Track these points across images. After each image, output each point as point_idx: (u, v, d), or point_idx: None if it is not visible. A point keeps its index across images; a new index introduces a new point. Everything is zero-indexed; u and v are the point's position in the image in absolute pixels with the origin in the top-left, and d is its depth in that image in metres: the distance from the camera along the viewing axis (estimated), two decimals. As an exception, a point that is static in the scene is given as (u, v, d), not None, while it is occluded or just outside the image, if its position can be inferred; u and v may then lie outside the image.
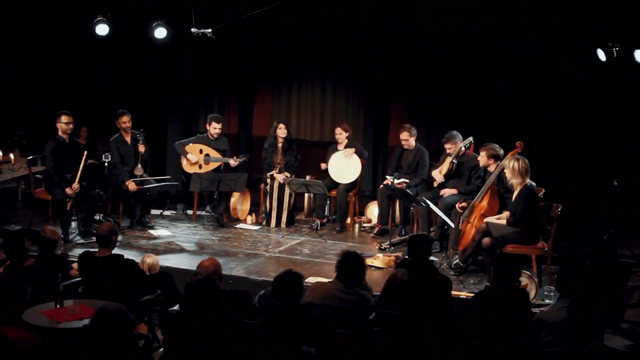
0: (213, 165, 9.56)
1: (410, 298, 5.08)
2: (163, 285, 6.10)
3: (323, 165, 9.61)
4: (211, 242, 8.77)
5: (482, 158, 7.90)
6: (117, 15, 10.27)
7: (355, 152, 9.44)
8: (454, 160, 8.51)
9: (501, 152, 7.85)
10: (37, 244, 6.54)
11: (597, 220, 9.15)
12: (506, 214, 7.40)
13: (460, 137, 8.52)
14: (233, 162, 9.53)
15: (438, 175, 8.70)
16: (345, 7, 11.08)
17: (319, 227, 9.36)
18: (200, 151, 9.59)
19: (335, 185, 9.55)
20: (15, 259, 6.04)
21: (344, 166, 9.45)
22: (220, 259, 6.21)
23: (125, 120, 9.16)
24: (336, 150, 9.57)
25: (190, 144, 9.64)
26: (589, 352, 4.86)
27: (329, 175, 9.62)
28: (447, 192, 8.47)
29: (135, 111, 9.35)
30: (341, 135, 9.50)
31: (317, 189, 9.21)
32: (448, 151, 8.60)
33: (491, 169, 7.82)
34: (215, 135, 9.62)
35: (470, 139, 8.52)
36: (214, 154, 9.58)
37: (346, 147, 9.49)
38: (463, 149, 8.53)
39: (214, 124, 9.60)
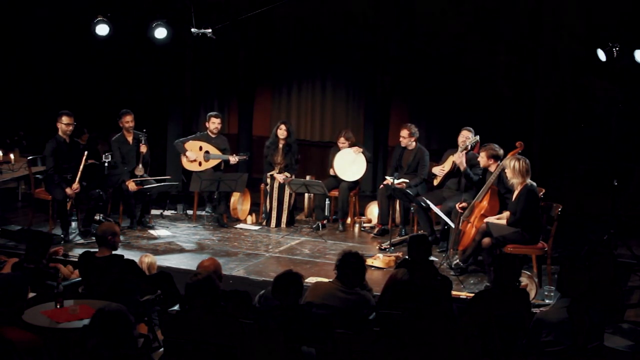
0: (213, 163, 9.56)
1: (410, 298, 5.07)
2: (163, 285, 6.10)
3: (332, 171, 9.60)
4: (211, 242, 8.77)
5: (482, 158, 7.90)
6: (117, 15, 10.27)
7: (362, 152, 9.47)
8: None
9: (501, 152, 7.85)
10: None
11: (597, 220, 9.14)
12: (506, 214, 7.40)
13: (475, 137, 8.55)
14: (233, 159, 9.55)
15: (439, 170, 8.72)
16: (345, 7, 11.07)
17: (320, 228, 9.36)
18: (200, 148, 9.59)
19: (336, 185, 9.55)
20: (33, 259, 6.10)
21: (351, 163, 9.45)
22: (220, 259, 6.21)
23: (128, 120, 9.17)
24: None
25: (190, 141, 9.66)
26: (589, 352, 4.86)
27: (330, 176, 9.63)
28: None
29: (135, 111, 9.35)
30: (344, 144, 9.51)
31: (317, 189, 9.21)
32: (462, 138, 8.57)
33: (491, 169, 7.82)
34: (215, 131, 9.64)
35: (477, 138, 8.54)
36: (213, 151, 9.59)
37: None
38: (469, 147, 8.53)
39: (213, 119, 9.64)
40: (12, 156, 10.25)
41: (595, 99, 9.96)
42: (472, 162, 8.44)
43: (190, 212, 10.00)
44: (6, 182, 10.00)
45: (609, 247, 8.27)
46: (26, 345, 4.36)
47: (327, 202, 9.57)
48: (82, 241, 8.42)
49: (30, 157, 9.48)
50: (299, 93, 11.73)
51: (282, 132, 9.54)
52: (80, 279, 6.22)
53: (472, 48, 10.48)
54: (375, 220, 9.53)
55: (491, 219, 7.42)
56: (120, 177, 9.01)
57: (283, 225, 9.51)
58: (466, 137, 8.58)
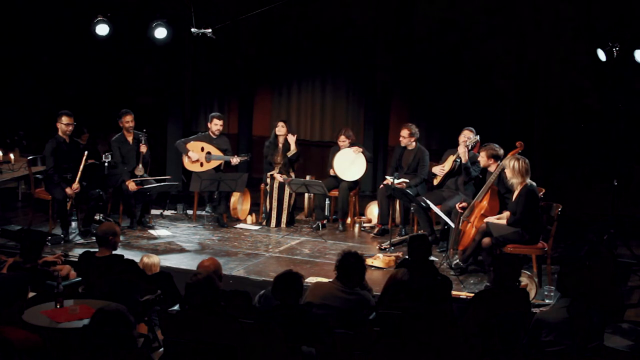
0: (214, 163, 9.57)
1: (410, 298, 5.08)
2: (163, 285, 6.10)
3: (331, 171, 9.60)
4: (211, 242, 8.77)
5: (482, 158, 7.90)
6: (117, 15, 10.27)
7: (362, 152, 9.47)
8: (457, 160, 8.54)
9: (501, 152, 7.85)
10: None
11: (597, 220, 9.14)
12: (506, 214, 7.40)
13: (475, 137, 8.55)
14: (234, 160, 9.56)
15: (439, 170, 8.72)
16: (345, 7, 11.08)
17: (320, 228, 9.36)
18: (202, 149, 9.60)
19: (336, 185, 9.55)
20: (28, 258, 6.09)
21: (351, 163, 9.44)
22: (220, 259, 6.21)
23: (128, 120, 9.17)
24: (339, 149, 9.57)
25: (192, 142, 9.66)
26: (589, 352, 4.86)
27: (330, 176, 9.63)
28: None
29: (135, 111, 9.36)
30: (344, 143, 9.51)
31: (317, 189, 9.21)
32: (463, 138, 8.58)
33: (491, 169, 7.82)
34: (216, 132, 9.65)
35: (477, 137, 8.54)
36: (215, 152, 9.59)
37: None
38: (469, 146, 8.53)
39: (215, 121, 9.64)
40: (12, 156, 10.26)
41: (595, 99, 9.95)
42: (472, 161, 8.45)
43: (190, 212, 10.00)
44: (6, 182, 10.00)
45: (609, 247, 8.27)
46: (26, 345, 4.36)
47: (327, 202, 9.57)
48: (82, 241, 8.42)
49: (30, 157, 9.48)
50: (299, 93, 11.73)
51: (279, 129, 9.56)
52: (80, 279, 6.23)
53: (472, 48, 10.48)
54: (375, 220, 9.52)
55: (491, 219, 7.42)
56: (120, 177, 9.01)
57: (283, 225, 9.51)
58: (467, 137, 8.58)
